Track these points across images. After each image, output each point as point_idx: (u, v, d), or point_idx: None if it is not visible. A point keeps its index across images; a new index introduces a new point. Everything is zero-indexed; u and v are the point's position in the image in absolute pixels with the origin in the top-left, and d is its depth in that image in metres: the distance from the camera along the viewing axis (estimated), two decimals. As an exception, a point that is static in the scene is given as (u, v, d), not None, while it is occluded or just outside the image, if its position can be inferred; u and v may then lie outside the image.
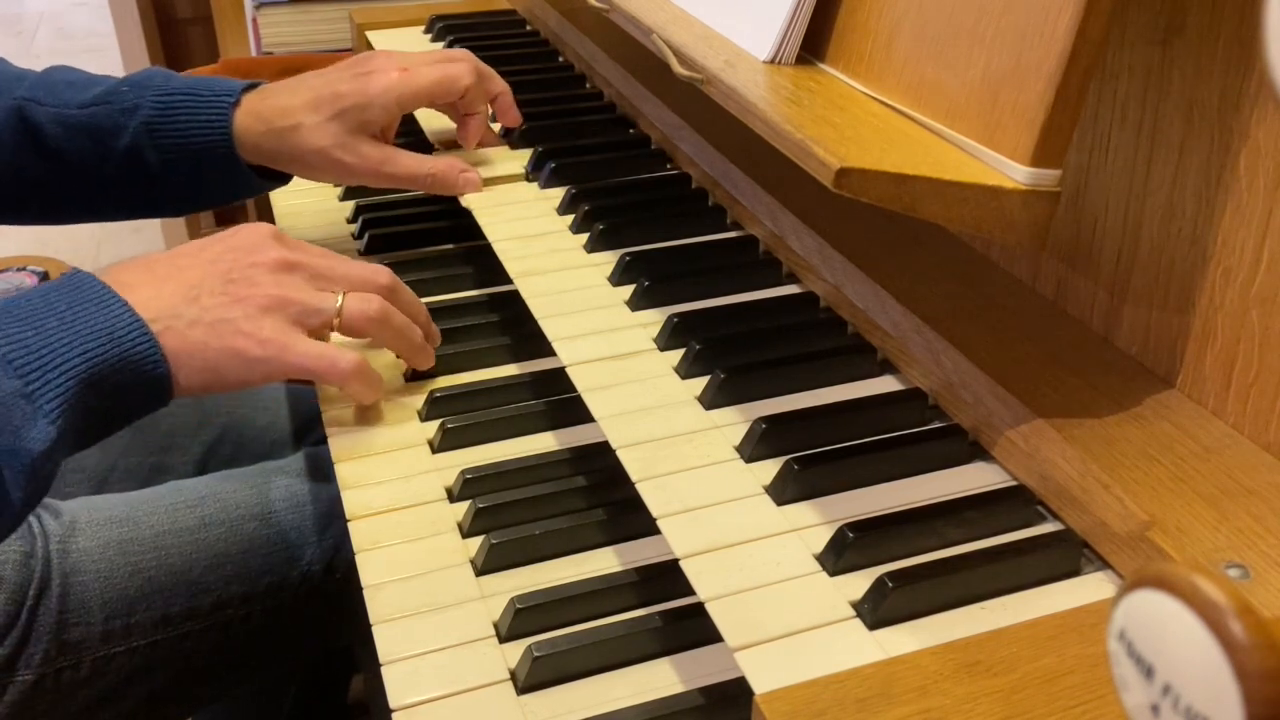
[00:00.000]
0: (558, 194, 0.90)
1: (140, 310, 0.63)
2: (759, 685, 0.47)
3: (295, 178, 0.92)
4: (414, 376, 0.76)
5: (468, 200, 0.89)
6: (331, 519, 0.80)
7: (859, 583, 0.53)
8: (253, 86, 0.86)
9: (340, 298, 0.69)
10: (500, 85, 0.94)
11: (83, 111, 0.85)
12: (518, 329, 0.80)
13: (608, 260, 0.80)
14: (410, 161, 0.87)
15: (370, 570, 0.61)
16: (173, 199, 0.90)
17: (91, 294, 0.62)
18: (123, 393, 0.62)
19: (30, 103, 0.85)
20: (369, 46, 1.23)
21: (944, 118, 0.59)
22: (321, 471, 0.82)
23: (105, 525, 0.76)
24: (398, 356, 0.76)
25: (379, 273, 0.72)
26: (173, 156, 0.85)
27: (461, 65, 0.89)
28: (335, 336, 0.72)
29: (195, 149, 0.85)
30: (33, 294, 0.62)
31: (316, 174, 0.87)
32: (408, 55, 0.89)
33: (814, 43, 0.69)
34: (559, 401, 0.72)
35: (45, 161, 0.86)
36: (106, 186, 0.88)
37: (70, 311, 0.61)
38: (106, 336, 0.61)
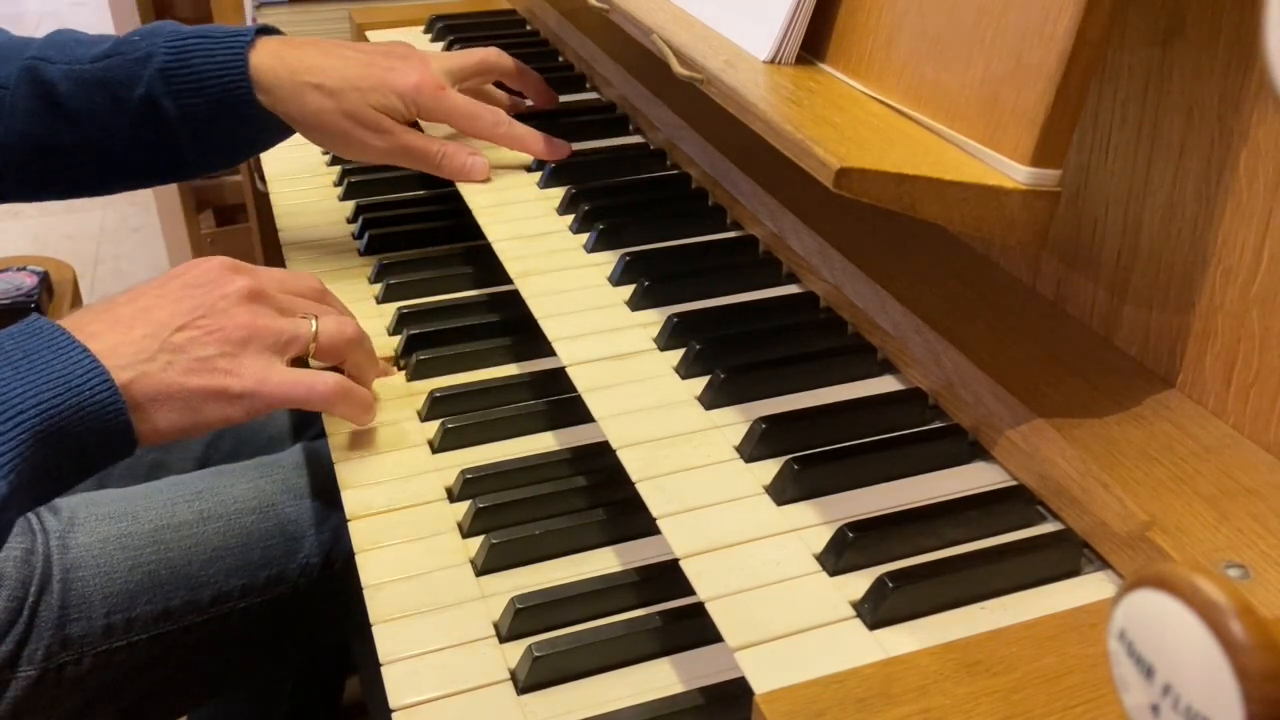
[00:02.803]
0: (558, 194, 0.90)
1: (108, 358, 0.60)
2: (759, 685, 0.47)
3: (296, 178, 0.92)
4: (415, 376, 0.76)
5: (468, 200, 0.89)
6: (329, 511, 0.80)
7: (859, 583, 0.53)
8: (271, 31, 0.86)
9: (314, 322, 0.68)
10: (531, 77, 1.00)
11: (95, 65, 0.84)
12: (518, 329, 0.80)
13: (608, 260, 0.80)
14: (420, 138, 0.88)
15: (370, 570, 0.61)
16: (191, 154, 0.88)
17: (48, 340, 0.59)
18: (82, 444, 0.59)
19: (41, 62, 0.84)
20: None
21: (944, 118, 0.59)
22: (318, 464, 0.82)
23: (104, 520, 0.76)
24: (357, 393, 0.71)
25: (348, 323, 0.71)
26: (189, 102, 0.84)
27: (492, 116, 0.90)
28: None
29: (211, 91, 0.84)
30: None
31: (320, 134, 0.87)
32: (443, 59, 0.91)
33: (814, 43, 0.69)
34: (559, 401, 0.72)
35: (61, 122, 0.85)
36: (124, 144, 0.86)
37: (26, 360, 0.58)
38: (63, 385, 0.58)
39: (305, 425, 0.98)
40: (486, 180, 0.90)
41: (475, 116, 0.90)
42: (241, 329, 0.65)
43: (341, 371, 0.71)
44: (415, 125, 0.90)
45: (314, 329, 0.68)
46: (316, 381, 0.67)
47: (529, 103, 1.03)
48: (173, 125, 0.85)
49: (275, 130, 0.88)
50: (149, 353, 0.62)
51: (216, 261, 0.69)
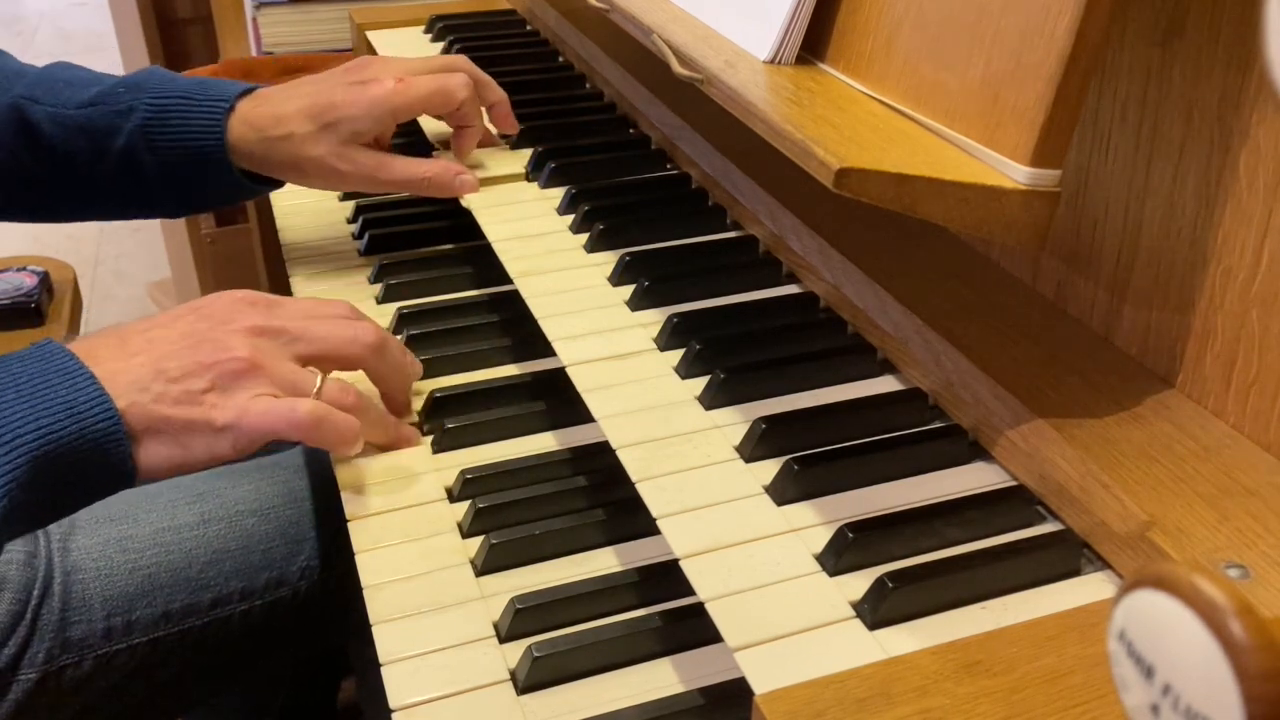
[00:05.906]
0: (558, 194, 0.90)
1: (107, 385, 0.59)
2: (759, 685, 0.47)
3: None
4: None
5: (468, 200, 0.89)
6: (329, 514, 0.80)
7: (859, 583, 0.53)
8: (249, 91, 0.86)
9: (319, 380, 0.65)
10: (497, 94, 0.93)
11: (79, 112, 0.84)
12: (518, 329, 0.80)
13: (608, 260, 0.80)
14: (405, 166, 0.86)
15: (370, 570, 0.61)
16: (169, 201, 0.89)
17: (57, 365, 0.58)
18: (80, 472, 0.58)
19: (28, 101, 0.85)
20: (369, 46, 1.23)
21: (944, 118, 0.59)
22: (319, 466, 0.82)
23: (104, 522, 0.76)
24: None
25: (365, 331, 0.68)
26: (167, 160, 0.84)
27: (458, 77, 0.88)
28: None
29: (190, 155, 0.84)
30: None
31: (310, 181, 0.87)
32: (406, 63, 0.89)
33: (814, 43, 0.69)
34: (559, 401, 0.72)
35: (42, 160, 0.86)
36: (103, 186, 0.87)
37: (31, 384, 0.57)
38: (66, 411, 0.57)
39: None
40: (475, 191, 0.89)
41: (447, 91, 0.87)
42: (238, 363, 0.62)
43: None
44: (417, 138, 0.89)
45: (317, 387, 0.65)
46: (292, 411, 0.62)
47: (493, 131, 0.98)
48: (150, 177, 0.85)
49: (249, 189, 0.88)
50: (143, 382, 0.60)
51: (238, 294, 0.67)
